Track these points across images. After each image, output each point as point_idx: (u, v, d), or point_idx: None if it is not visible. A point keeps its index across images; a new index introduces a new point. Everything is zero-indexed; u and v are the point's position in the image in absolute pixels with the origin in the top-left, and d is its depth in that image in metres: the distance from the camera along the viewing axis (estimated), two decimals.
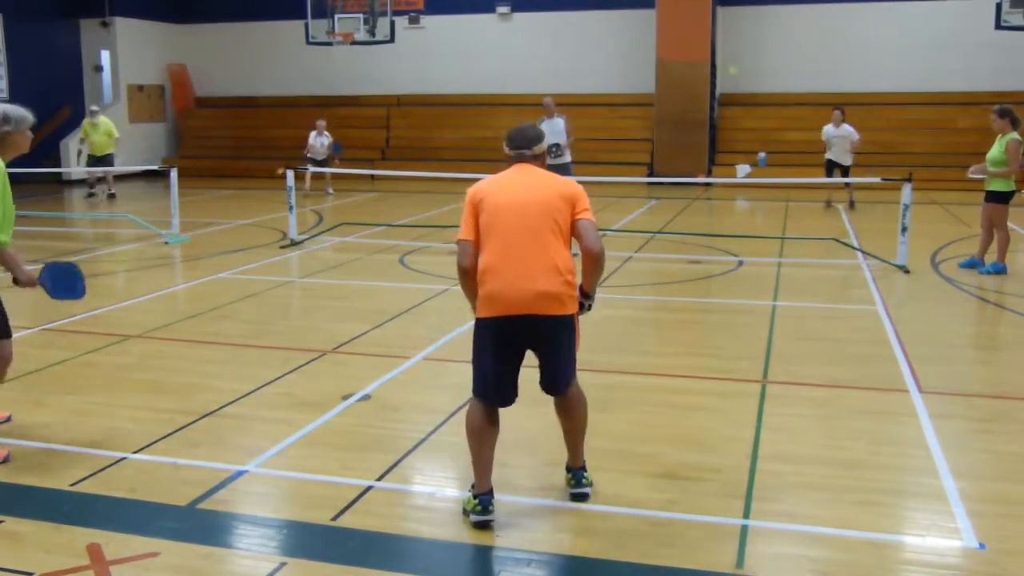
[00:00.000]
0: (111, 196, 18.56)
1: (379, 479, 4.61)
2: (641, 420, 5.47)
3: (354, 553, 3.89)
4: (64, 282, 5.15)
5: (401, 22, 23.53)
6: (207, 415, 5.56)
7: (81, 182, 18.87)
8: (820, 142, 15.94)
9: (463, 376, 6.27)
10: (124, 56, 24.54)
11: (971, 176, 10.19)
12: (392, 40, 22.08)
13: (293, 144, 19.32)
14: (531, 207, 4.03)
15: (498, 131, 25.52)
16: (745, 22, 22.50)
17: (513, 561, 3.85)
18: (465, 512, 4.16)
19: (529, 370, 4.21)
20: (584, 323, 4.28)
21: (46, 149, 21.43)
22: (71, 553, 3.85)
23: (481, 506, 4.06)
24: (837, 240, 12.02)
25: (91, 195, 18.62)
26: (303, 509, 4.32)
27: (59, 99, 22.07)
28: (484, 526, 4.05)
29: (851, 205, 15.97)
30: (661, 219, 14.92)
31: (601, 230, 4.22)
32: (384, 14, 21.81)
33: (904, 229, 10.23)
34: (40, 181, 19.63)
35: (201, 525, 4.16)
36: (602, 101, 22.93)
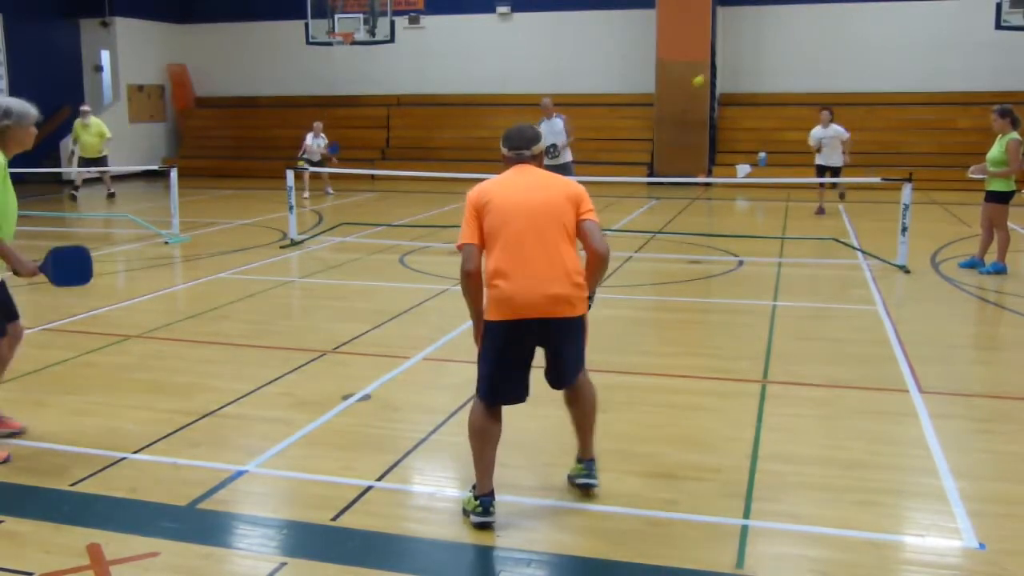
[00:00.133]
0: (110, 196, 18.44)
1: (379, 479, 4.61)
2: (641, 420, 5.47)
3: (354, 553, 3.89)
4: (69, 267, 4.99)
5: (401, 22, 23.53)
6: (207, 415, 5.56)
7: (85, 182, 18.71)
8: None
9: (463, 376, 6.29)
10: (124, 56, 24.55)
11: (971, 176, 10.19)
12: (392, 40, 22.08)
13: (293, 144, 19.30)
14: (538, 209, 4.02)
15: (498, 131, 25.53)
16: (745, 22, 22.51)
17: (513, 561, 3.85)
18: (465, 512, 4.15)
19: (533, 370, 4.20)
20: None
21: (46, 149, 21.44)
22: (71, 553, 3.85)
23: (482, 507, 4.06)
24: (837, 240, 12.02)
25: (73, 196, 18.27)
26: (303, 509, 4.32)
27: (59, 99, 22.05)
28: (485, 527, 4.05)
29: (841, 196, 15.86)
30: (661, 219, 14.92)
31: (602, 230, 4.21)
32: (384, 14, 21.81)
33: (904, 229, 10.23)
34: (40, 181, 19.63)
35: (201, 525, 4.16)
36: (602, 101, 22.94)
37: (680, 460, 4.85)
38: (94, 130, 17.80)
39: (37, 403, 5.70)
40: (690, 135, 21.27)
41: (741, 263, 10.87)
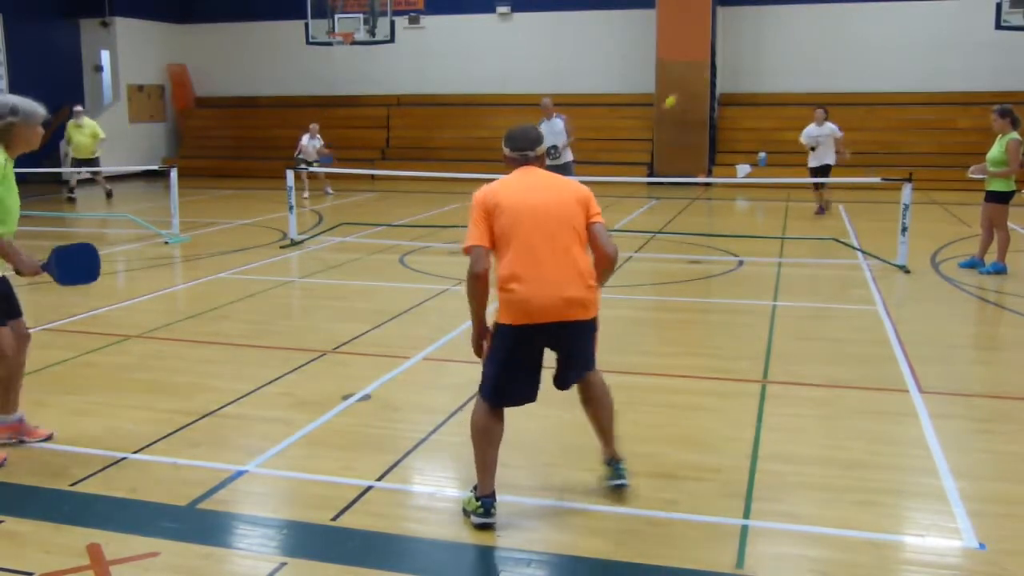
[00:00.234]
0: (108, 195, 18.34)
1: (379, 479, 4.61)
2: (641, 420, 5.47)
3: (354, 553, 3.89)
4: (75, 265, 4.92)
5: (401, 22, 23.54)
6: (207, 415, 5.56)
7: (79, 182, 18.70)
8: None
9: (463, 376, 6.29)
10: (124, 56, 24.55)
11: (971, 176, 10.19)
12: (392, 40, 22.08)
13: (293, 144, 19.29)
14: (550, 212, 4.01)
15: (498, 131, 25.49)
16: (745, 22, 22.51)
17: (513, 561, 3.85)
18: (465, 513, 4.15)
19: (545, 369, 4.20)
20: None
21: (46, 150, 21.39)
22: (71, 553, 3.85)
23: (483, 508, 4.05)
24: (837, 240, 12.02)
25: (70, 199, 18.22)
26: (303, 509, 4.32)
27: (59, 99, 22.03)
28: (485, 528, 4.05)
29: (820, 210, 15.09)
30: (661, 219, 14.92)
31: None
32: (384, 14, 21.81)
33: (904, 229, 10.23)
34: (40, 181, 19.63)
35: (201, 525, 4.16)
36: (602, 101, 22.94)
37: (680, 460, 4.85)
38: (87, 131, 17.71)
39: (37, 403, 5.69)
40: (690, 135, 21.27)
41: (741, 263, 10.87)
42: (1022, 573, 3.70)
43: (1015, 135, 9.73)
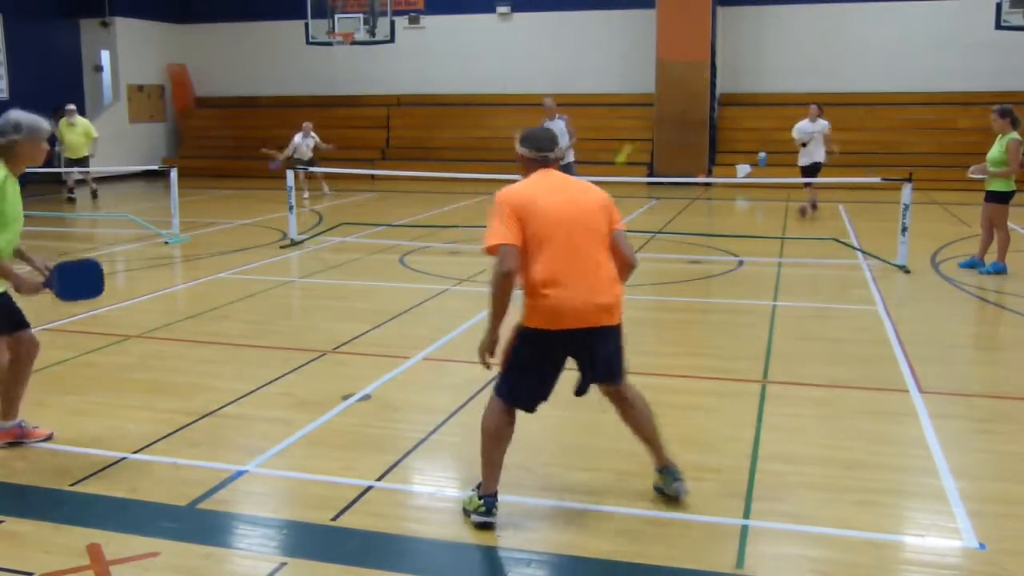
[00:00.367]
0: (94, 194, 18.06)
1: (379, 479, 4.61)
2: None
3: (354, 553, 3.89)
4: (77, 281, 4.88)
5: (401, 22, 23.54)
6: (207, 415, 5.56)
7: (77, 182, 18.60)
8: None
9: (463, 376, 6.29)
10: (124, 56, 24.55)
11: (971, 176, 10.20)
12: (392, 40, 22.09)
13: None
14: (578, 217, 4.00)
15: (498, 131, 25.49)
16: (745, 22, 22.51)
17: (513, 561, 3.86)
18: (466, 512, 4.15)
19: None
20: None
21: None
22: (71, 553, 3.85)
23: (486, 508, 4.05)
24: (837, 240, 12.02)
25: (70, 199, 18.09)
26: (303, 509, 4.32)
27: (59, 99, 22.02)
28: (486, 527, 4.05)
29: (802, 212, 14.72)
30: (661, 219, 14.92)
31: None
32: (384, 14, 21.82)
33: (904, 229, 10.24)
34: (40, 181, 19.61)
35: (201, 525, 4.16)
36: (602, 101, 22.94)
37: (680, 460, 4.83)
38: (80, 130, 17.47)
39: (37, 403, 5.69)
40: (690, 135, 21.27)
41: (741, 263, 10.87)
42: (1022, 573, 3.71)
43: (1015, 135, 9.73)
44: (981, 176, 10.05)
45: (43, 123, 4.78)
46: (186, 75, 26.62)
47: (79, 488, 4.52)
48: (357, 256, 11.56)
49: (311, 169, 18.05)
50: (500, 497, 4.16)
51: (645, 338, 7.84)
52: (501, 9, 23.87)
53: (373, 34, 21.75)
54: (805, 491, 4.48)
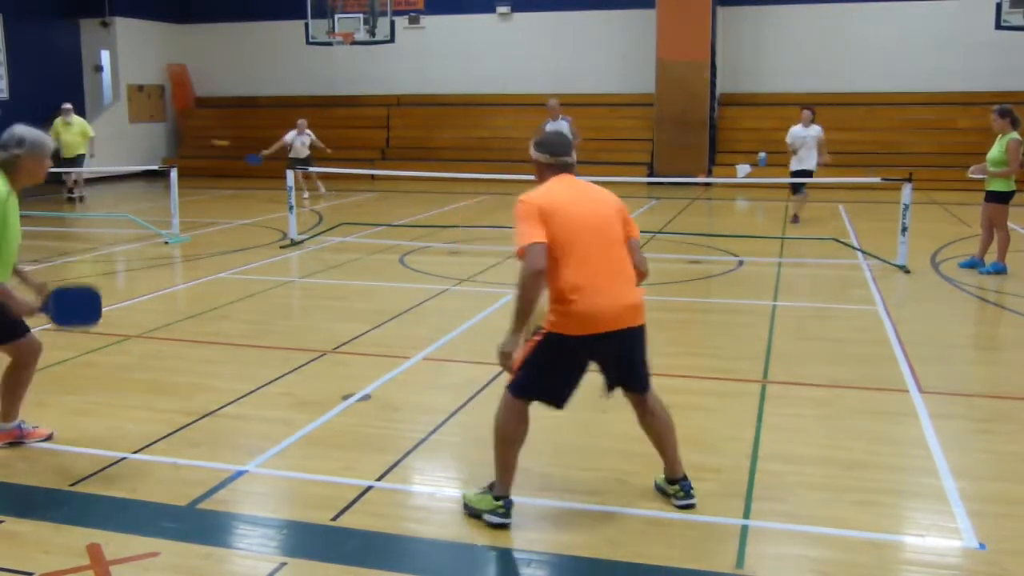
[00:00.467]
0: (80, 199, 17.83)
1: (379, 479, 4.61)
2: None
3: (354, 553, 3.89)
4: (74, 307, 4.80)
5: (401, 22, 23.53)
6: (207, 415, 5.56)
7: (76, 181, 18.53)
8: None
9: (463, 376, 6.30)
10: (124, 56, 24.54)
11: (971, 176, 10.20)
12: (392, 40, 22.08)
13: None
14: (601, 222, 4.03)
15: (498, 131, 25.37)
16: (745, 22, 22.51)
17: (513, 561, 3.86)
18: (474, 512, 4.12)
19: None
20: None
21: None
22: (71, 553, 3.85)
23: (504, 508, 4.04)
24: (837, 240, 12.02)
25: (71, 199, 17.99)
26: (303, 509, 4.32)
27: (59, 99, 22.02)
28: (501, 528, 4.03)
29: (794, 219, 14.37)
30: (661, 219, 14.92)
31: None
32: (384, 14, 21.81)
33: (904, 229, 10.24)
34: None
35: (201, 525, 4.16)
36: (602, 101, 22.94)
37: (681, 460, 4.84)
38: (76, 129, 17.26)
39: (37, 403, 5.68)
40: (690, 135, 21.27)
41: (741, 263, 10.87)
42: (1022, 573, 3.71)
43: (1015, 135, 9.73)
44: (981, 176, 10.06)
45: (47, 140, 4.78)
46: (186, 75, 26.62)
47: (79, 488, 4.52)
48: (357, 256, 11.56)
49: (315, 169, 17.97)
50: None
51: None
52: (501, 9, 23.87)
53: (373, 34, 21.74)
54: (805, 491, 4.48)
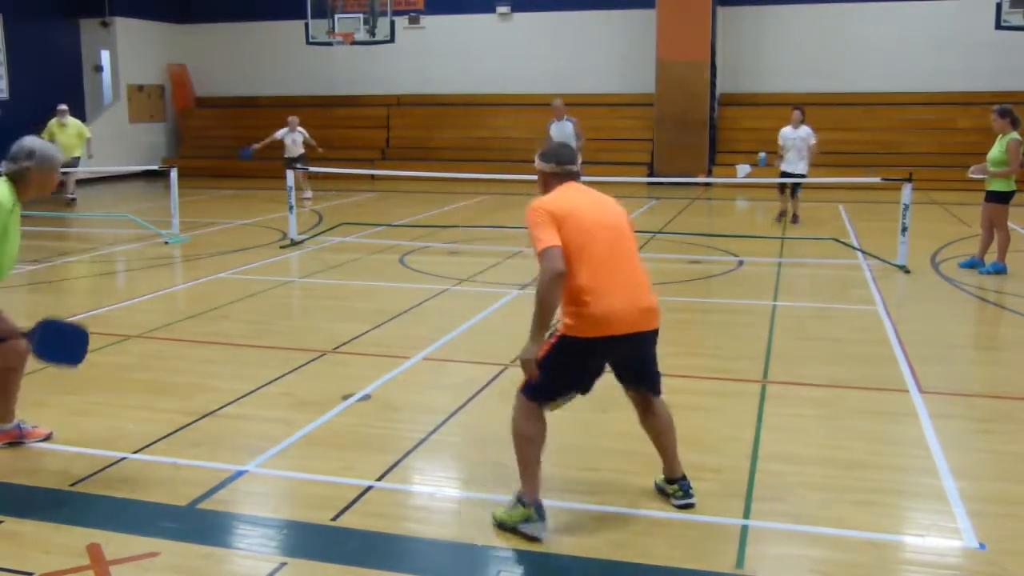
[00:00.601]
0: (71, 200, 17.54)
1: (379, 479, 4.61)
2: None
3: (354, 553, 3.89)
4: (60, 343, 4.55)
5: (401, 22, 23.53)
6: (207, 415, 5.56)
7: (75, 182, 18.44)
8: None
9: (463, 376, 6.30)
10: (124, 56, 24.54)
11: (971, 176, 10.20)
12: (392, 40, 22.08)
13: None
14: (612, 227, 4.06)
15: (498, 131, 25.33)
16: (745, 22, 22.51)
17: (513, 561, 3.85)
18: (507, 527, 4.01)
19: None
20: None
21: None
22: (71, 553, 3.85)
23: (537, 514, 3.98)
24: (837, 240, 12.02)
25: (71, 200, 17.68)
26: (303, 509, 4.32)
27: (59, 99, 22.02)
28: (536, 540, 3.94)
29: (794, 219, 14.10)
30: (661, 219, 14.92)
31: None
32: (384, 14, 21.81)
33: (904, 229, 10.24)
34: None
35: (201, 525, 4.16)
36: (602, 101, 22.94)
37: (680, 460, 4.85)
38: (72, 130, 17.00)
39: (37, 403, 5.69)
40: (690, 135, 21.27)
41: (741, 263, 10.87)
42: (1022, 573, 3.71)
43: (1015, 135, 9.73)
44: (981, 176, 10.06)
45: (57, 152, 4.77)
46: (186, 75, 26.62)
47: (79, 488, 4.52)
48: (357, 256, 11.56)
49: (316, 169, 17.87)
50: (499, 497, 4.16)
51: None
52: (501, 9, 23.87)
53: (373, 34, 21.74)
54: (805, 491, 4.48)
